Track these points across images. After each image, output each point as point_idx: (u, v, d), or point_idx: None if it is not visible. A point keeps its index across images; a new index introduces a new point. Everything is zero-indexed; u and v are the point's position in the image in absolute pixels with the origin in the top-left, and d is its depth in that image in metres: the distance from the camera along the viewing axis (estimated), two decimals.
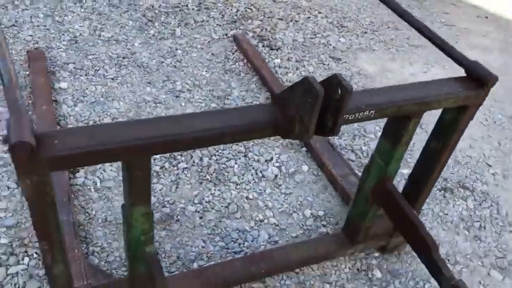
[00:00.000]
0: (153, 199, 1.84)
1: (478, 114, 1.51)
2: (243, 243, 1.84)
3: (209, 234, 1.87)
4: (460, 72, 1.46)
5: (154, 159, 2.09)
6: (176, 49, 2.97)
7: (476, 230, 2.08)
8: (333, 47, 3.29)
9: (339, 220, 1.99)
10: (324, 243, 1.76)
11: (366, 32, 3.55)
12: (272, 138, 2.30)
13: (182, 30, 3.13)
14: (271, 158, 2.25)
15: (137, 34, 3.03)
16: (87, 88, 2.52)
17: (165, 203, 1.96)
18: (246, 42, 3.02)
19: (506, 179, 2.39)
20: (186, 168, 2.14)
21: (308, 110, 1.06)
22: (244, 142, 2.21)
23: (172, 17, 3.31)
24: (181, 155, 2.18)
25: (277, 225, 1.96)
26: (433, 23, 3.84)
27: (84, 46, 2.85)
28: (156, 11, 3.29)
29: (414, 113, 1.36)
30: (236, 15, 3.44)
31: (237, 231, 1.89)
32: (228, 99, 2.58)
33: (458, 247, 1.98)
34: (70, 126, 2.22)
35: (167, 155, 2.11)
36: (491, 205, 2.22)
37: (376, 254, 1.89)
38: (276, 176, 2.16)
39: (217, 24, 3.33)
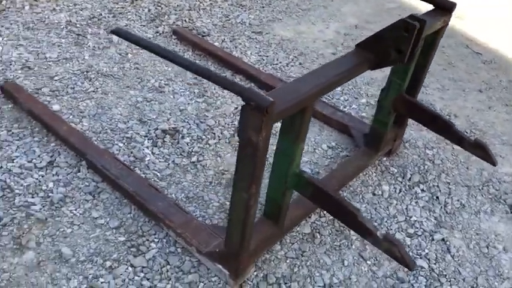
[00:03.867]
0: None
1: None
2: None
3: None
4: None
5: None
6: (126, 53, 3.18)
7: None
8: (249, 24, 3.83)
9: (347, 144, 2.61)
10: (357, 159, 2.36)
11: (263, 7, 4.17)
12: None
13: (115, 37, 3.31)
14: None
15: (78, 48, 3.17)
16: (78, 105, 2.66)
17: None
18: (188, 34, 3.38)
19: None
20: None
21: (406, 41, 1.63)
22: None
23: (96, 27, 3.46)
24: None
25: (310, 162, 2.49)
26: None
27: (41, 70, 2.90)
28: (78, 25, 3.40)
29: None
30: (152, 14, 3.72)
31: None
32: (203, 82, 2.94)
33: None
34: (94, 138, 2.37)
35: None
36: None
37: (384, 158, 2.56)
38: None
39: (141, 25, 3.59)
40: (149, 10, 3.83)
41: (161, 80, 3.01)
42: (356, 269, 2.00)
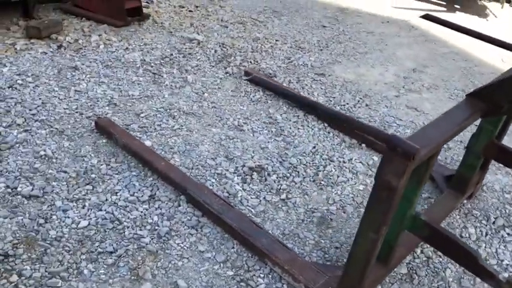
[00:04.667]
0: None
1: None
2: None
3: None
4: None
5: None
6: (202, 93, 3.34)
7: None
8: (311, 65, 3.99)
9: (427, 187, 2.68)
10: (445, 202, 2.44)
11: (321, 49, 4.34)
12: None
13: (189, 76, 3.49)
14: None
15: (156, 87, 3.35)
16: (167, 141, 2.79)
17: None
18: (259, 74, 3.54)
19: None
20: None
21: None
22: None
23: (168, 66, 3.64)
24: None
25: None
26: (359, 33, 4.83)
27: (126, 107, 3.06)
28: (152, 64, 3.61)
29: None
30: (219, 55, 3.91)
31: None
32: (278, 122, 3.08)
33: None
34: (187, 173, 2.49)
35: None
36: None
37: (465, 201, 2.63)
38: None
39: (210, 66, 3.77)
40: (215, 51, 4.03)
41: (239, 118, 3.15)
42: None
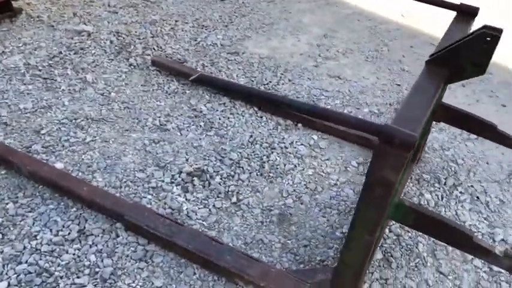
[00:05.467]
0: None
1: None
2: None
3: None
4: None
5: None
6: (109, 92, 2.93)
7: None
8: (221, 44, 3.70)
9: None
10: None
11: (227, 26, 4.06)
12: None
13: (88, 75, 3.06)
14: None
15: (52, 94, 2.91)
16: (82, 159, 2.40)
17: None
18: (168, 62, 3.20)
19: None
20: None
21: (485, 54, 1.62)
22: None
23: (60, 67, 3.16)
24: None
25: (348, 182, 2.44)
26: (260, 3, 4.60)
27: (20, 124, 2.57)
28: (40, 68, 3.11)
29: None
30: (116, 46, 3.47)
31: None
32: (204, 114, 2.79)
33: None
34: (117, 194, 2.13)
35: None
36: None
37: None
38: None
39: (110, 59, 3.33)
40: (111, 42, 3.55)
41: (159, 117, 2.78)
42: (442, 287, 1.97)
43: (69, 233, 1.96)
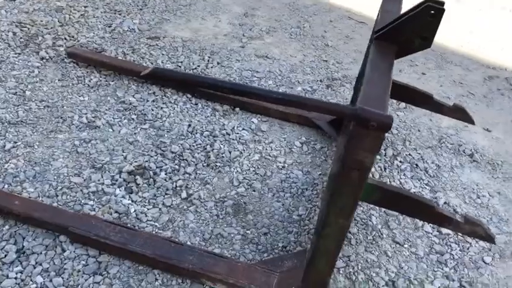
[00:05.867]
0: None
1: None
2: None
3: None
4: None
5: None
6: (23, 91, 2.66)
7: None
8: (139, 29, 3.51)
9: (316, 136, 2.63)
10: None
11: (141, 9, 3.85)
12: None
13: None
14: None
15: None
16: (6, 169, 2.14)
17: None
18: (85, 52, 2.95)
19: None
20: None
21: (431, 26, 1.66)
22: None
23: None
24: None
25: (294, 163, 2.43)
26: None
27: None
28: None
29: None
30: (22, 38, 3.15)
31: None
32: (134, 105, 2.63)
33: None
34: (54, 204, 1.94)
35: None
36: None
37: None
38: None
39: (16, 54, 3.01)
40: (14, 34, 3.19)
41: (85, 113, 2.56)
42: (400, 257, 2.03)
43: (5, 255, 1.74)
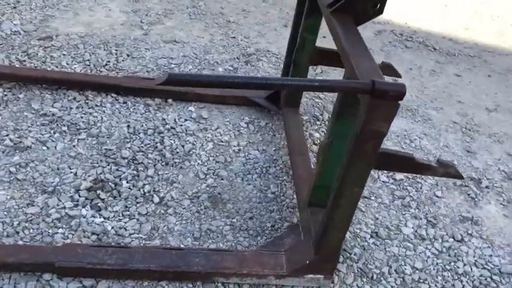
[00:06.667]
0: None
1: None
2: None
3: None
4: None
5: None
6: None
7: None
8: (24, 31, 3.17)
9: (258, 113, 2.70)
10: (292, 121, 2.48)
11: (16, 7, 3.46)
12: None
13: None
14: None
15: None
16: None
17: None
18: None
19: None
20: None
21: None
22: None
23: None
24: None
25: (248, 143, 2.47)
26: None
27: None
28: None
29: None
30: None
31: None
32: (59, 115, 2.40)
33: None
34: (20, 243, 1.75)
35: None
36: None
37: None
38: None
39: None
40: None
41: (6, 135, 2.26)
42: (372, 209, 2.22)
43: None
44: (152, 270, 1.68)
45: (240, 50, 3.34)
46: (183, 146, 2.37)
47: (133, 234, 1.90)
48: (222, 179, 2.23)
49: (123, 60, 3.01)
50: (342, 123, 1.68)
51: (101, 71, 2.87)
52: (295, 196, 2.18)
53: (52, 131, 2.34)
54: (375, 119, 1.37)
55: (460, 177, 1.85)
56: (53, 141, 2.28)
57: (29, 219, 1.88)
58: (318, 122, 2.73)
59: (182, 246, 1.87)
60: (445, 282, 1.93)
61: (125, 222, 1.93)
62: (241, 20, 3.77)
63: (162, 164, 2.25)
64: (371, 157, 1.46)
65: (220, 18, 3.74)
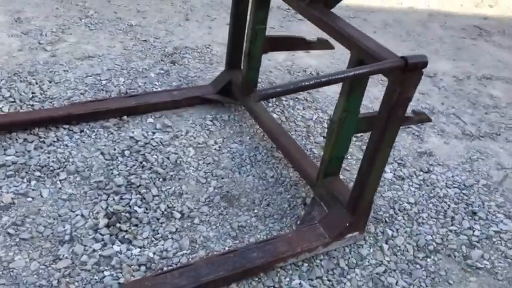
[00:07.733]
0: None
1: None
2: None
3: None
4: None
5: None
6: None
7: None
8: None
9: (217, 108, 2.79)
10: (260, 110, 2.65)
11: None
12: None
13: None
14: None
15: None
16: None
17: None
18: None
19: None
20: None
21: None
22: None
23: None
24: None
25: (217, 138, 2.59)
26: None
27: None
28: None
29: None
30: None
31: None
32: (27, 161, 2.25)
33: None
34: None
35: None
36: None
37: None
38: None
39: None
40: None
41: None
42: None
43: None
44: (223, 277, 1.76)
45: (158, 52, 3.33)
46: (168, 158, 2.39)
47: (176, 253, 1.92)
48: (223, 178, 2.33)
49: (48, 88, 2.82)
50: (351, 100, 1.91)
51: (32, 105, 2.66)
52: (291, 175, 2.39)
53: (26, 180, 2.16)
54: (407, 89, 1.64)
55: (429, 120, 2.25)
56: (33, 190, 2.12)
57: (65, 273, 1.78)
58: (281, 105, 2.92)
59: (225, 248, 1.97)
60: (436, 207, 2.35)
61: (162, 245, 1.95)
62: (142, 21, 3.72)
63: (160, 180, 2.26)
64: (402, 119, 1.74)
65: (120, 23, 3.64)
